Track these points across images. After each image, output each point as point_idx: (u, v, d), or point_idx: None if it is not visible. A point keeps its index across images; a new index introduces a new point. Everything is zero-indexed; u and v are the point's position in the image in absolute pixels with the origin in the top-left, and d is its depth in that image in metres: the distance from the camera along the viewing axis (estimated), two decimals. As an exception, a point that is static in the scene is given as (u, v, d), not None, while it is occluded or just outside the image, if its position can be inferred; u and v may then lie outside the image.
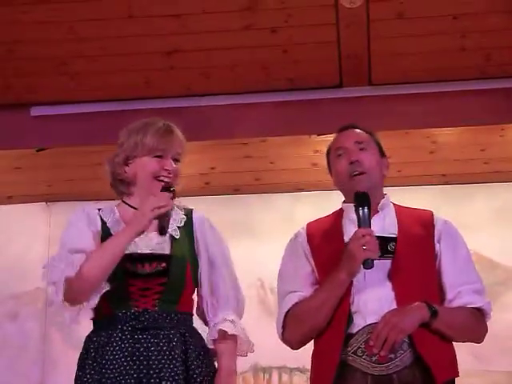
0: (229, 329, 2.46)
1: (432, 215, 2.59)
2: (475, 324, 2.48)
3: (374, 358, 2.34)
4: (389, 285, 2.42)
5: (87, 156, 4.75)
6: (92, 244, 2.42)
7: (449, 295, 2.49)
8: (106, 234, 2.47)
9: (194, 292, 2.53)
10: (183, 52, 4.18)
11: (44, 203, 5.41)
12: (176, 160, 2.53)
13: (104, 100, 4.44)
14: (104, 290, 2.35)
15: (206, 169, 4.98)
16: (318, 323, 2.45)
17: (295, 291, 2.52)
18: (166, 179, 2.48)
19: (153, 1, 3.93)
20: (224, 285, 2.52)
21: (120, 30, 4.05)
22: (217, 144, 4.67)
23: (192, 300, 2.53)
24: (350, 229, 2.50)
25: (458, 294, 2.47)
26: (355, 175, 2.53)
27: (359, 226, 2.43)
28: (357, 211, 2.44)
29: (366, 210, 2.43)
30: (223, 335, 2.47)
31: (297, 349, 2.56)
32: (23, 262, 5.27)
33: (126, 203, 2.55)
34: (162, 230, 2.41)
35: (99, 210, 2.54)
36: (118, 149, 2.57)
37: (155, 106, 4.36)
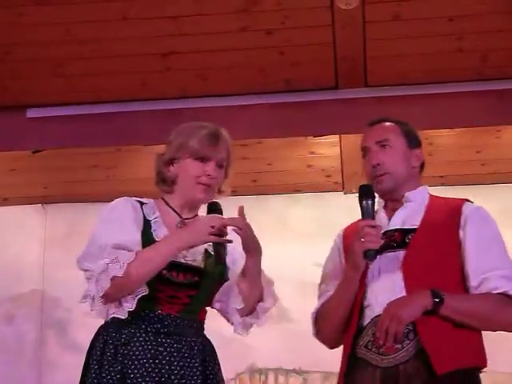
0: None
1: (462, 203, 2.53)
2: (500, 310, 2.35)
3: (381, 350, 2.32)
4: (400, 276, 2.39)
5: (83, 158, 4.75)
6: (137, 242, 2.37)
7: (472, 282, 2.38)
8: (147, 232, 2.43)
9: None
10: (179, 54, 4.17)
11: (40, 205, 5.40)
12: (220, 166, 2.51)
13: (100, 102, 4.42)
14: (143, 294, 2.32)
15: (203, 170, 4.96)
16: (337, 320, 2.46)
17: (327, 291, 2.54)
18: (207, 181, 2.47)
19: (149, 3, 3.93)
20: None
21: (116, 31, 4.04)
22: (213, 146, 4.66)
23: (206, 310, 2.55)
24: None
25: (485, 280, 2.36)
26: (377, 177, 2.53)
27: (362, 218, 2.42)
28: (361, 203, 2.44)
29: (369, 202, 2.43)
30: None
31: (332, 348, 2.56)
32: (19, 264, 5.27)
33: (167, 204, 2.53)
34: (219, 259, 2.41)
35: (141, 204, 2.49)
36: (166, 147, 2.56)
37: (151, 107, 4.36)
